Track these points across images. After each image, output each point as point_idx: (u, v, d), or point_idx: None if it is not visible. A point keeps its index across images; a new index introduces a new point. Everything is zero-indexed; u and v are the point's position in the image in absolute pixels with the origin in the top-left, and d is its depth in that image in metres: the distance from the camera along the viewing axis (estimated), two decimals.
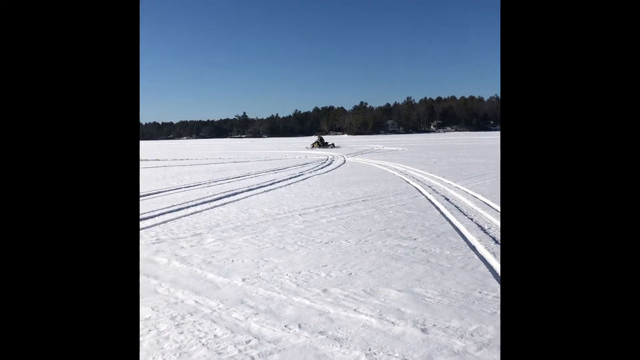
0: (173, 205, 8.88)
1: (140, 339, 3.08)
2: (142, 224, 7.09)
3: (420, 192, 10.01)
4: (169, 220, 7.38)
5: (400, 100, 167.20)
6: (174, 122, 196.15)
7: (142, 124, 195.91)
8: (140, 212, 8.08)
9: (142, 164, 22.10)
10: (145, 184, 12.87)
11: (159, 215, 7.90)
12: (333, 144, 40.72)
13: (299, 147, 43.57)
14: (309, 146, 40.33)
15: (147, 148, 50.87)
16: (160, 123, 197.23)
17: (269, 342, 3.03)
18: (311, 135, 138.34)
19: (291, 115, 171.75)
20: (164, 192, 11.11)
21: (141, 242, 5.91)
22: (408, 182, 11.91)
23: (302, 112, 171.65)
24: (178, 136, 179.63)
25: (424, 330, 3.11)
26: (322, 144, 40.09)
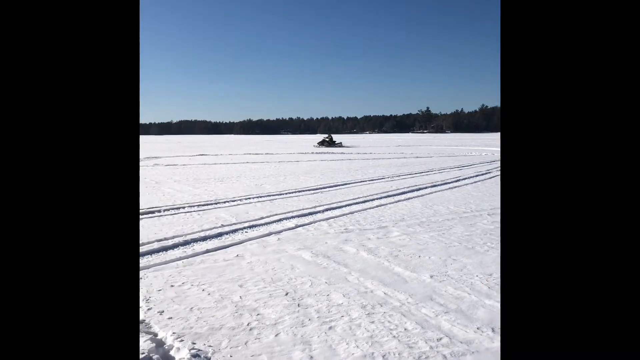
0: (359, 197, 9.17)
1: (333, 323, 3.24)
2: (330, 214, 7.45)
3: None
4: (356, 212, 7.63)
5: None
6: (358, 117, 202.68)
7: (328, 118, 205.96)
8: (328, 202, 8.51)
9: (328, 157, 23.24)
10: (333, 175, 13.53)
11: (346, 206, 8.22)
12: (341, 143, 40.02)
13: (488, 144, 41.57)
14: (316, 144, 39.01)
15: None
16: (345, 118, 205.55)
17: (461, 342, 2.93)
18: (498, 132, 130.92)
19: (477, 110, 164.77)
20: (349, 184, 11.54)
21: (330, 230, 6.22)
22: None
23: (489, 107, 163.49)
24: (361, 130, 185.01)
25: None
26: (330, 143, 38.30)
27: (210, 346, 2.92)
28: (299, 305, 3.60)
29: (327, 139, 39.06)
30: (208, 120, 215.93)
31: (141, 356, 2.75)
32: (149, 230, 6.22)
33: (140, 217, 7.20)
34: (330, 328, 3.18)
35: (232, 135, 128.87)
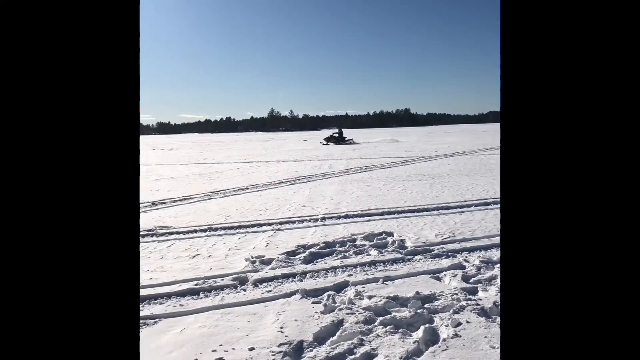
0: None
1: None
2: None
3: None
4: None
5: None
6: None
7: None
8: None
9: None
10: None
11: None
12: (352, 140, 33.08)
13: None
14: (323, 141, 32.97)
15: None
16: None
17: None
18: None
19: None
20: None
21: None
22: None
23: None
24: None
25: None
26: (339, 139, 31.85)
27: None
28: None
29: (336, 134, 32.84)
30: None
31: None
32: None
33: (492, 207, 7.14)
34: None
35: None
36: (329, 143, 32.09)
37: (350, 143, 31.85)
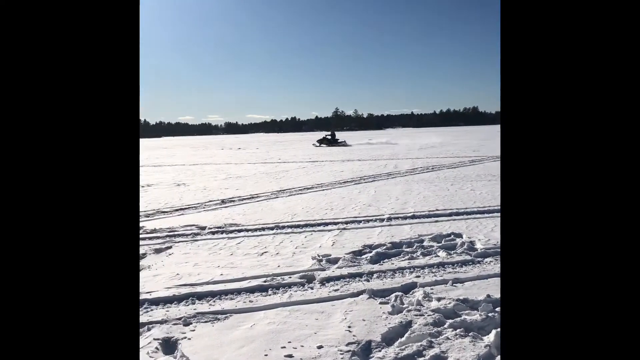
0: None
1: None
2: None
3: None
4: None
5: None
6: None
7: None
8: None
9: None
10: None
11: None
12: (345, 142, 32.95)
13: None
14: (316, 143, 32.92)
15: None
16: None
17: None
18: None
19: None
20: None
21: None
22: None
23: None
24: None
25: None
26: (332, 141, 31.81)
27: None
28: None
29: (329, 137, 32.57)
30: None
31: None
32: None
33: None
34: None
35: None
36: (322, 145, 32.07)
37: (343, 145, 31.69)
